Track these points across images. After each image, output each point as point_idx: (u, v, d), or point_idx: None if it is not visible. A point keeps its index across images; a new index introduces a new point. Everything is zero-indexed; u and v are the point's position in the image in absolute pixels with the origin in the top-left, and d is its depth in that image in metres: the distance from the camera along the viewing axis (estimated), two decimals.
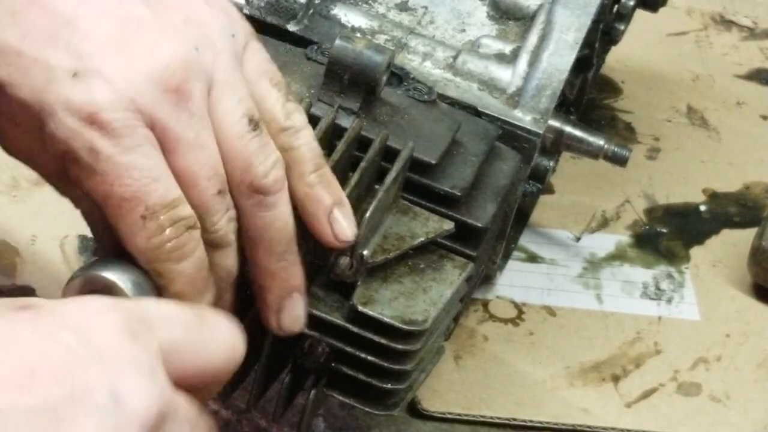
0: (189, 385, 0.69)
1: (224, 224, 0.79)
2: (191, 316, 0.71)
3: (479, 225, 0.93)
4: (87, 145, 0.74)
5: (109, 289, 0.76)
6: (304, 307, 0.85)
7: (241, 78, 0.80)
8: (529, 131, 1.01)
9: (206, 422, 0.70)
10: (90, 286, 0.77)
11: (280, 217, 0.81)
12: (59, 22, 0.76)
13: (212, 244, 0.79)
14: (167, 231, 0.76)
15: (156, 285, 0.78)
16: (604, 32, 1.23)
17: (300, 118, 0.83)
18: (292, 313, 0.85)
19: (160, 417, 0.65)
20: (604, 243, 1.23)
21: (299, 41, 1.02)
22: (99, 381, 0.63)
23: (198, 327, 0.71)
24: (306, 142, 0.83)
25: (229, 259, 0.81)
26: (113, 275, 0.77)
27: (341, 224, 0.84)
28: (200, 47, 0.78)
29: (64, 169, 0.78)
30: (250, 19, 1.04)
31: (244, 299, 0.91)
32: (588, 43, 1.10)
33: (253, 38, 0.84)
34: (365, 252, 0.87)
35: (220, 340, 0.72)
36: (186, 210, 0.77)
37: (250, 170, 0.79)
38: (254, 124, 0.79)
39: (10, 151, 0.82)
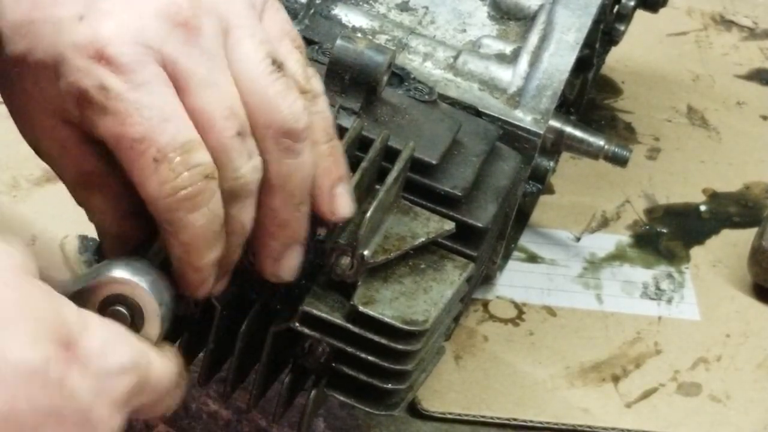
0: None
1: (247, 171, 0.76)
2: (174, 383, 0.75)
3: (480, 225, 0.93)
4: (97, 82, 0.73)
5: (127, 289, 0.76)
6: (301, 257, 0.83)
7: (260, 24, 0.77)
8: (529, 131, 1.01)
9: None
10: (107, 287, 0.76)
11: (305, 166, 0.78)
12: None
13: (231, 194, 0.76)
14: (182, 176, 0.73)
15: (164, 235, 0.76)
16: (604, 32, 1.23)
17: (318, 84, 0.81)
18: (291, 262, 0.83)
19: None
20: (604, 243, 1.23)
21: None
22: None
23: (171, 394, 0.75)
24: (322, 109, 0.80)
25: (246, 213, 0.78)
26: (131, 275, 0.76)
27: (341, 200, 0.82)
28: None
29: (83, 119, 0.75)
30: None
31: (244, 298, 0.91)
32: (588, 43, 1.10)
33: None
34: (366, 252, 0.87)
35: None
36: (203, 155, 0.73)
37: (278, 112, 0.76)
38: (278, 65, 0.76)
39: (40, 150, 0.81)
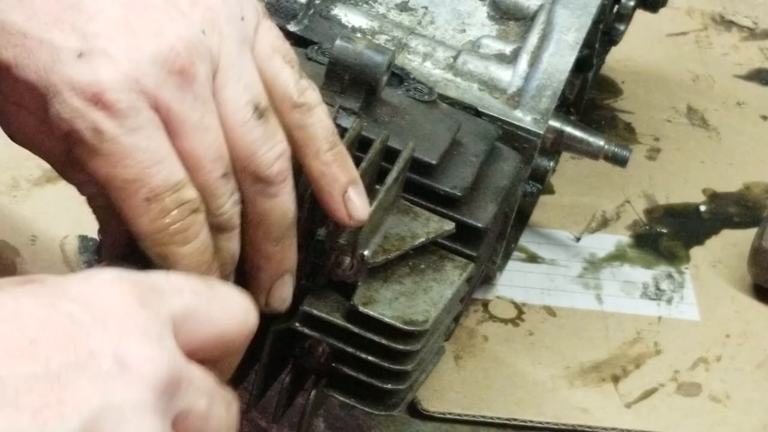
0: (204, 355, 0.69)
1: (229, 207, 0.79)
2: (202, 285, 0.71)
3: (480, 225, 0.93)
4: (91, 125, 0.74)
5: None
6: (291, 288, 0.86)
7: (248, 63, 0.80)
8: (529, 131, 1.01)
9: (226, 395, 0.70)
10: None
11: (281, 205, 0.81)
12: (65, 5, 0.75)
13: (217, 228, 0.79)
14: (172, 213, 0.76)
15: (159, 268, 0.78)
16: (604, 33, 1.23)
17: (313, 96, 0.83)
18: (281, 294, 0.85)
19: (171, 383, 0.64)
20: (604, 243, 1.23)
21: (299, 41, 1.02)
22: (103, 347, 0.62)
23: (209, 295, 0.71)
24: (320, 119, 0.82)
25: (232, 243, 0.81)
26: None
27: (355, 203, 0.84)
28: (207, 30, 0.77)
29: (69, 153, 0.77)
30: None
31: None
32: (588, 43, 1.10)
33: (266, 17, 0.84)
34: (366, 252, 0.87)
35: (232, 308, 0.72)
36: (191, 192, 0.76)
37: (254, 159, 0.79)
38: (260, 112, 0.79)
39: (15, 138, 0.82)
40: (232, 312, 0.72)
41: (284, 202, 0.81)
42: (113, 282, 0.66)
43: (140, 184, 0.75)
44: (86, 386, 0.61)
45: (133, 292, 0.66)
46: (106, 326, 0.63)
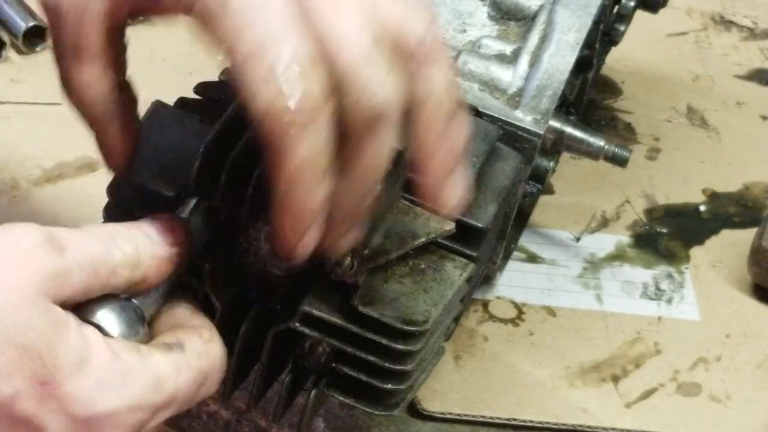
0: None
1: (388, 85, 0.67)
2: (195, 387, 0.76)
3: (480, 225, 0.93)
4: None
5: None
6: (468, 175, 0.75)
7: None
8: (529, 132, 1.01)
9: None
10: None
11: (444, 77, 0.71)
12: None
13: (367, 118, 0.67)
14: (294, 97, 0.66)
15: (269, 165, 0.69)
16: (604, 33, 1.23)
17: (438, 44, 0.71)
18: (460, 181, 0.75)
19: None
20: (604, 243, 1.24)
21: None
22: None
23: (195, 396, 0.77)
24: (446, 76, 0.71)
25: (386, 142, 0.69)
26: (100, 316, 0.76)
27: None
28: None
29: (84, 45, 0.75)
30: None
31: (244, 298, 0.91)
32: (588, 43, 1.10)
33: None
34: (366, 252, 0.87)
35: (205, 394, 0.79)
36: (322, 76, 0.66)
37: (403, 30, 0.69)
38: None
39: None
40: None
41: (446, 73, 0.70)
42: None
43: (261, 56, 0.66)
44: None
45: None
46: None
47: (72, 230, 0.74)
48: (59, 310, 0.71)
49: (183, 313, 0.83)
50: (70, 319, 0.71)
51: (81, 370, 0.71)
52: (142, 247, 0.77)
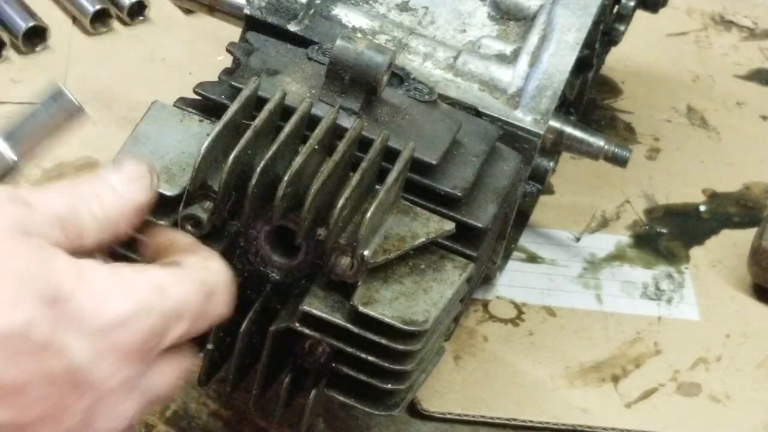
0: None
1: None
2: (201, 298, 0.78)
3: (480, 225, 0.93)
4: None
5: None
6: None
7: None
8: (529, 132, 1.01)
9: None
10: None
11: None
12: None
13: None
14: None
15: None
16: (604, 33, 1.23)
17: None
18: None
19: None
20: (604, 243, 1.24)
21: (300, 41, 1.02)
22: None
23: (203, 309, 0.79)
24: None
25: None
26: None
27: None
28: None
29: None
30: (251, 19, 1.04)
31: (244, 298, 0.91)
32: (588, 43, 1.10)
33: None
34: (366, 252, 0.87)
35: (217, 312, 0.80)
36: None
37: None
38: None
39: None
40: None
41: None
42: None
43: None
44: None
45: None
46: None
47: (35, 188, 0.76)
48: (39, 239, 0.72)
49: (181, 240, 0.84)
50: (53, 246, 0.73)
51: (82, 283, 0.72)
52: (109, 203, 0.78)
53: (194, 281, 0.78)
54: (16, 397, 0.70)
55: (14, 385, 0.69)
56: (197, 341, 0.91)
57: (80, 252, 0.75)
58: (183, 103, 0.96)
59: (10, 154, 0.82)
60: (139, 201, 0.79)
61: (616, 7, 1.26)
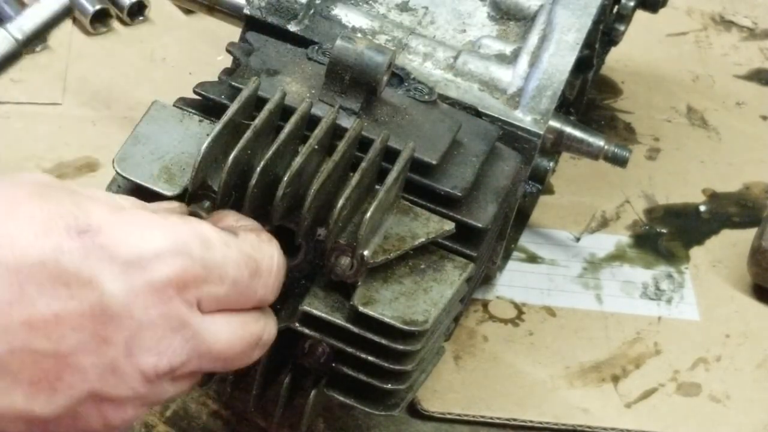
0: None
1: None
2: (245, 272, 0.79)
3: (480, 225, 0.93)
4: None
5: None
6: None
7: None
8: (529, 132, 1.01)
9: None
10: None
11: None
12: None
13: None
14: None
15: None
16: (604, 33, 1.23)
17: None
18: None
19: None
20: (604, 243, 1.24)
21: (300, 41, 1.02)
22: None
23: (247, 284, 0.80)
24: None
25: None
26: None
27: None
28: None
29: None
30: (251, 19, 1.04)
31: None
32: (588, 43, 1.10)
33: None
34: (366, 252, 0.87)
35: (260, 293, 0.82)
36: None
37: None
38: None
39: None
40: None
41: None
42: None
43: None
44: None
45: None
46: None
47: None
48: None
49: (245, 220, 0.84)
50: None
51: (118, 217, 0.73)
52: None
53: (242, 252, 0.79)
54: (52, 326, 0.70)
55: (47, 315, 0.70)
56: None
57: None
58: (183, 103, 0.96)
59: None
60: None
61: (616, 7, 1.26)
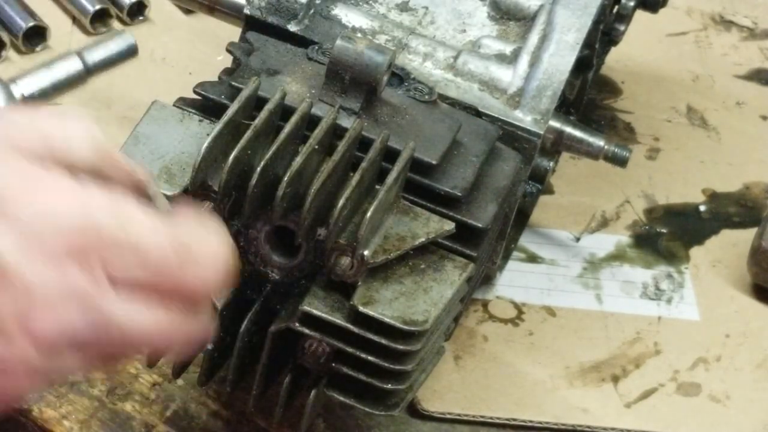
0: None
1: None
2: (174, 258, 0.74)
3: (480, 225, 0.93)
4: None
5: None
6: None
7: None
8: (529, 132, 1.01)
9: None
10: None
11: None
12: None
13: None
14: None
15: None
16: (604, 33, 1.23)
17: None
18: None
19: None
20: (603, 243, 1.24)
21: (300, 41, 1.02)
22: None
23: (176, 272, 0.74)
24: None
25: None
26: None
27: None
28: None
29: None
30: (251, 19, 1.04)
31: (244, 299, 0.91)
32: (588, 43, 1.10)
33: None
34: (366, 252, 0.87)
35: (192, 280, 0.75)
36: None
37: None
38: None
39: None
40: None
41: None
42: None
43: None
44: None
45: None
46: None
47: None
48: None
49: (190, 210, 0.80)
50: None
51: (24, 177, 0.72)
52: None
53: (173, 237, 0.74)
54: None
55: None
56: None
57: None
58: (183, 103, 0.96)
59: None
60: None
61: (616, 7, 1.26)
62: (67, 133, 0.76)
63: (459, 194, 0.93)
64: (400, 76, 1.00)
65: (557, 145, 1.10)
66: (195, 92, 0.96)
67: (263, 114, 0.88)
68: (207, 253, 0.76)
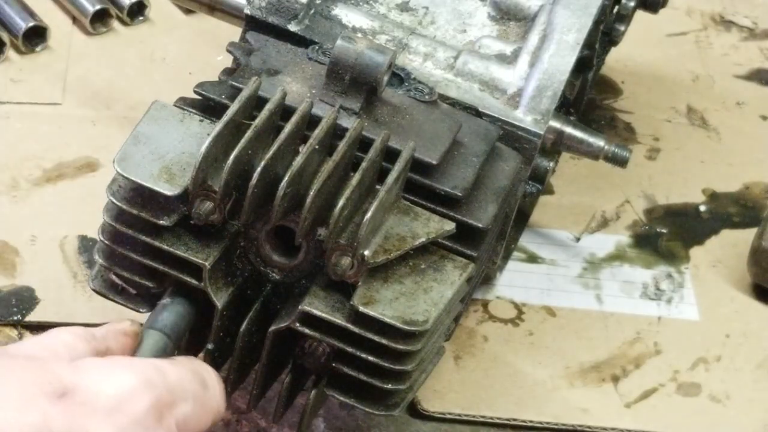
0: None
1: None
2: (198, 386, 0.82)
3: (480, 225, 0.94)
4: None
5: None
6: None
7: None
8: (529, 132, 1.01)
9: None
10: None
11: None
12: None
13: None
14: None
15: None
16: (604, 33, 1.23)
17: None
18: None
19: None
20: (603, 243, 1.24)
21: (300, 41, 1.02)
22: None
23: (203, 396, 0.82)
24: None
25: None
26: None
27: None
28: None
29: None
30: (252, 19, 1.04)
31: (244, 299, 0.91)
32: (588, 44, 1.10)
33: None
34: (366, 252, 0.87)
35: (215, 404, 0.84)
36: None
37: None
38: None
39: None
40: (214, 408, 0.85)
41: None
42: (138, 392, 0.77)
43: None
44: None
45: (153, 404, 0.78)
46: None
47: None
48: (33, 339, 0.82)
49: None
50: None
51: (81, 372, 0.77)
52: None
53: (188, 369, 0.83)
54: None
55: None
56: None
57: None
58: (183, 103, 0.96)
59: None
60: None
61: (616, 7, 1.26)
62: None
63: (459, 194, 0.93)
64: (400, 76, 1.00)
65: (557, 145, 1.10)
66: (195, 92, 0.96)
67: (263, 114, 0.88)
68: (210, 375, 0.85)
